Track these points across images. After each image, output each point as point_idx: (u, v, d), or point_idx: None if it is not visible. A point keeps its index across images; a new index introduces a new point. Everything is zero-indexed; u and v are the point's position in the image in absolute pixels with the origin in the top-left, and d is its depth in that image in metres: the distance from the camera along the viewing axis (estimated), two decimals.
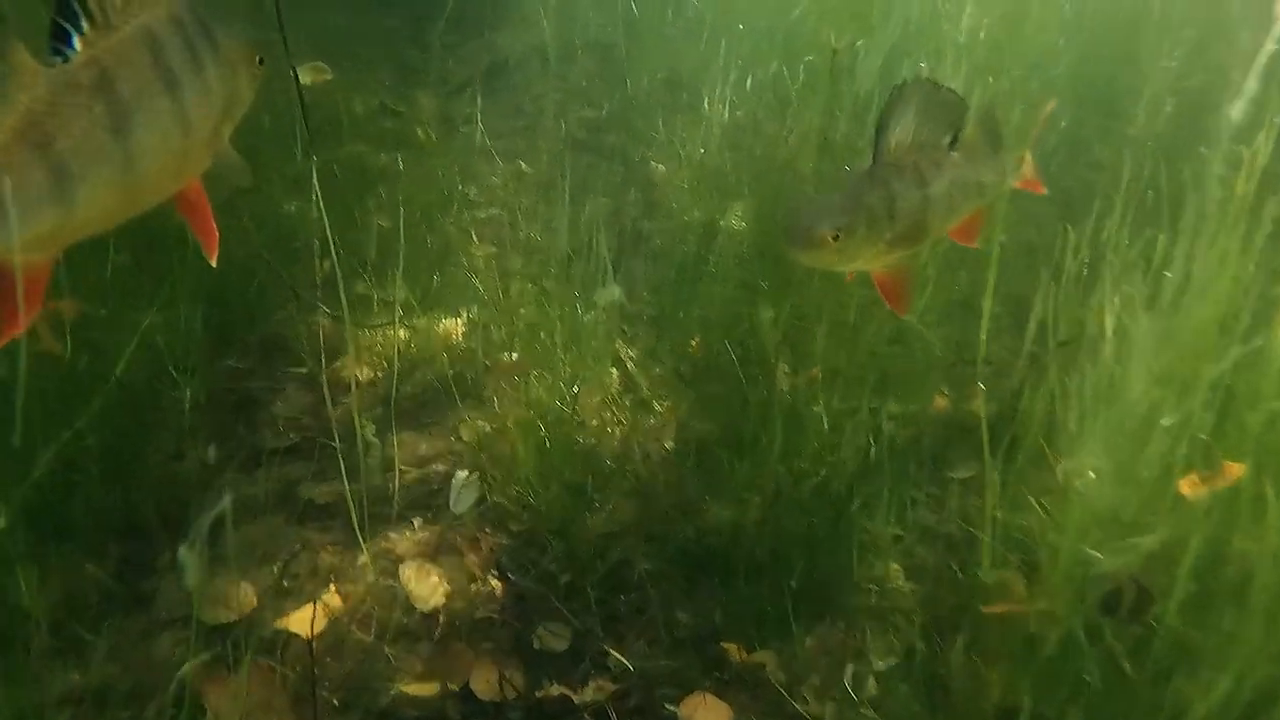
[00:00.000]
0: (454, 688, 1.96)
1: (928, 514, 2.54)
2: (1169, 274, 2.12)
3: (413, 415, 2.73)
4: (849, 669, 1.99)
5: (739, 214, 3.06)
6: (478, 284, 3.17)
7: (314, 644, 1.97)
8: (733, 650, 2.10)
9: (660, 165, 4.19)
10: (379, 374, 2.87)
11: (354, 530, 2.16)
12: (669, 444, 2.68)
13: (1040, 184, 2.09)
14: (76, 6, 1.24)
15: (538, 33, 4.53)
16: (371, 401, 2.74)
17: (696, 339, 2.99)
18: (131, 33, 1.30)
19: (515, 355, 2.91)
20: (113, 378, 1.99)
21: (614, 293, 3.13)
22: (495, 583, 2.21)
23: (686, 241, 3.30)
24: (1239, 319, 1.82)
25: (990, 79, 3.62)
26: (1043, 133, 2.16)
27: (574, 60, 4.76)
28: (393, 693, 1.92)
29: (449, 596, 2.15)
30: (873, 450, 2.37)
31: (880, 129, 1.74)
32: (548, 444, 2.35)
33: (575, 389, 2.46)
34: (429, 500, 2.42)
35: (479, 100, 4.25)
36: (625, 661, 2.03)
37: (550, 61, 4.40)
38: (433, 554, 2.25)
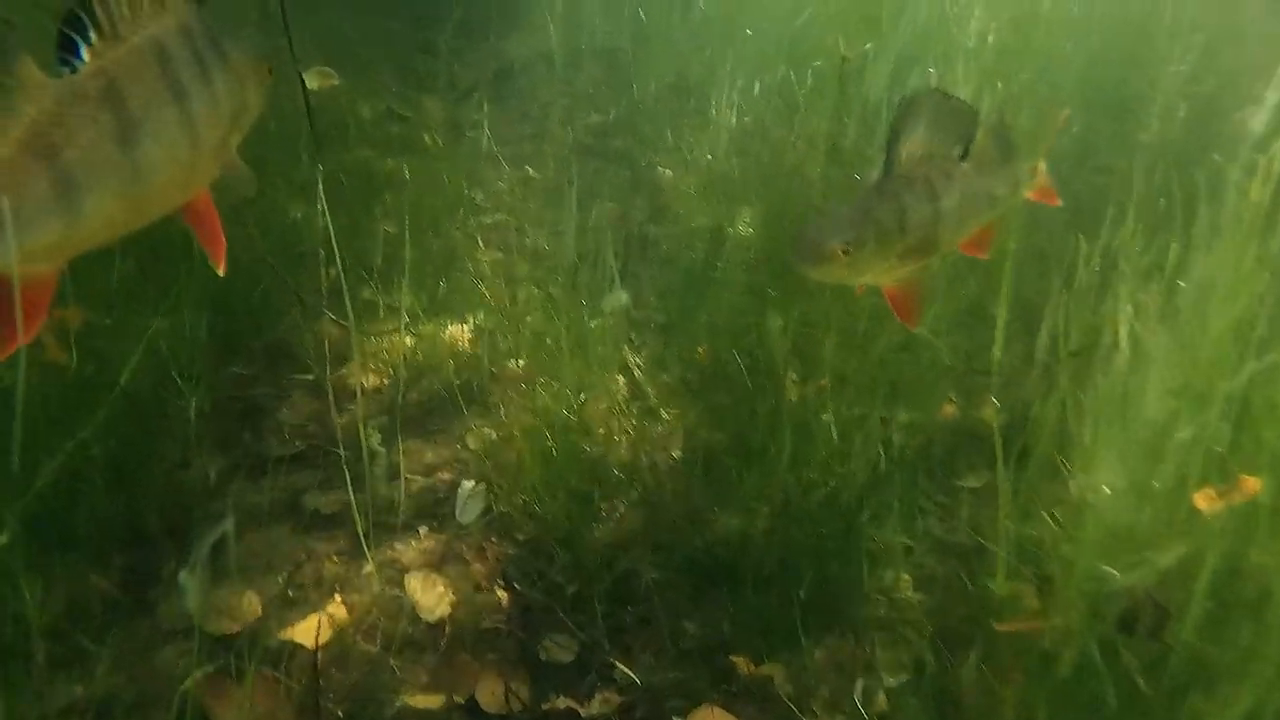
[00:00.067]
0: (459, 700, 1.94)
1: (937, 524, 2.52)
2: (1183, 283, 2.10)
3: (419, 422, 2.72)
4: (859, 684, 1.97)
5: (747, 220, 3.04)
6: (484, 290, 3.16)
7: (319, 655, 1.96)
8: (741, 663, 2.08)
9: (667, 170, 4.18)
10: (385, 381, 2.86)
11: (359, 539, 2.15)
12: (676, 453, 2.66)
13: (1054, 195, 2.06)
14: (84, 18, 1.23)
15: (544, 38, 4.53)
16: (377, 409, 2.73)
17: (704, 347, 2.97)
18: (139, 44, 1.29)
19: (522, 362, 2.90)
20: (117, 386, 1.98)
21: (621, 299, 3.11)
22: (501, 593, 2.20)
23: (694, 248, 3.29)
24: (1255, 329, 1.80)
25: (999, 83, 3.60)
26: (1054, 140, 2.13)
27: (581, 65, 4.75)
28: (398, 704, 1.91)
29: (454, 606, 2.14)
30: (882, 460, 2.35)
31: (891, 141, 1.72)
32: (554, 452, 2.33)
33: (582, 397, 2.44)
34: (435, 509, 2.41)
35: (485, 105, 4.26)
36: (632, 674, 2.01)
37: (557, 67, 4.39)
38: (438, 563, 2.24)
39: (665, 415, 2.80)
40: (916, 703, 1.87)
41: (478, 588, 2.19)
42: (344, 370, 2.84)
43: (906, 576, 2.37)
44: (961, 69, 3.55)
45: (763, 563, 2.25)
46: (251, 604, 2.07)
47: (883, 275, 1.77)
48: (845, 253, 1.65)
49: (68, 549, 2.01)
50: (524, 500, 2.36)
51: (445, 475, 2.52)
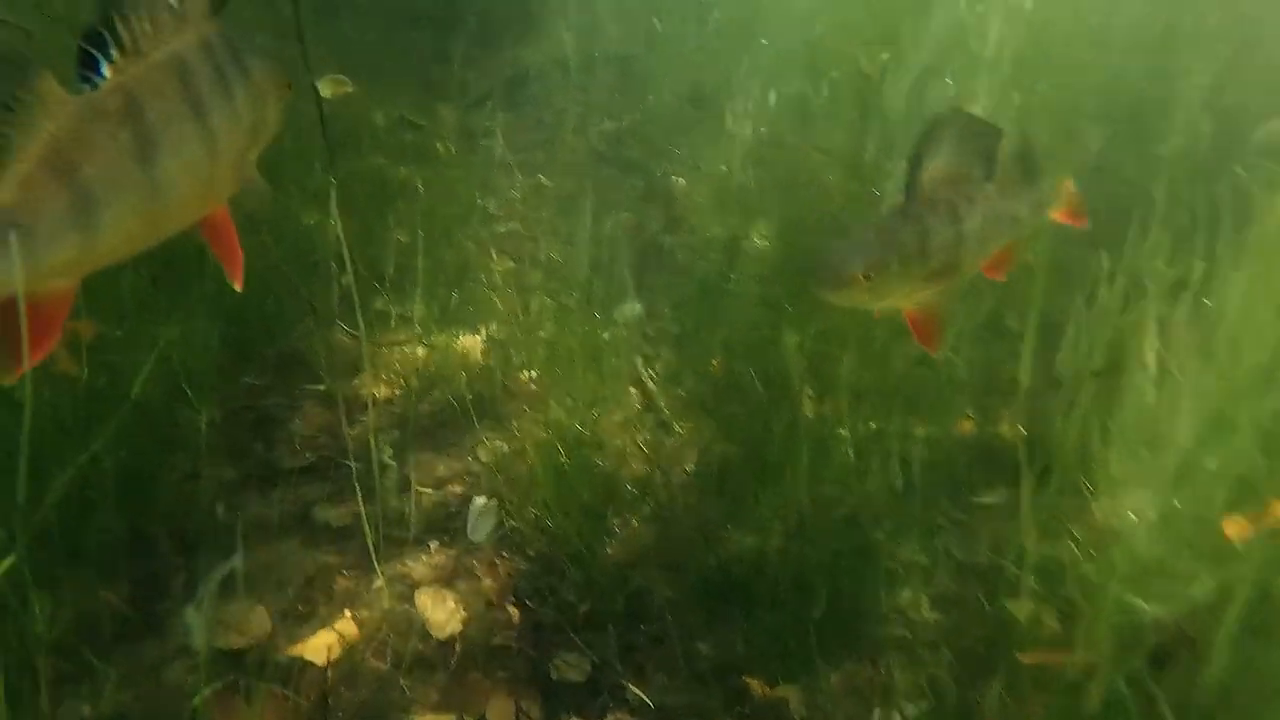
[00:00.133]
0: (469, 719, 1.92)
1: (954, 542, 2.48)
2: (1208, 301, 2.06)
3: (430, 434, 2.70)
4: (876, 713, 1.93)
5: (763, 232, 3.01)
6: (496, 300, 3.14)
7: (329, 672, 1.94)
8: (755, 685, 2.05)
9: (681, 179, 4.15)
10: (396, 391, 2.84)
11: (369, 553, 2.13)
12: (690, 467, 2.63)
13: (1083, 216, 2.02)
14: (106, 34, 1.22)
15: (558, 45, 4.52)
16: (389, 420, 2.71)
17: (717, 360, 2.95)
18: (161, 60, 1.28)
19: (534, 374, 2.88)
20: (129, 399, 1.96)
21: (634, 310, 3.09)
22: (512, 609, 2.17)
23: (709, 259, 3.26)
24: None
25: (1018, 95, 3.57)
26: (1079, 158, 2.10)
27: (595, 73, 4.73)
28: None
29: (465, 623, 2.11)
30: (899, 476, 2.32)
31: (913, 163, 1.69)
32: (566, 467, 2.31)
33: (595, 411, 2.42)
34: (446, 523, 2.39)
35: (499, 113, 4.25)
36: (644, 696, 1.98)
37: (571, 74, 4.37)
38: (449, 579, 2.22)
39: (679, 429, 2.77)
40: None
41: (489, 604, 2.17)
42: (356, 381, 2.83)
43: (923, 596, 2.33)
44: (979, 80, 3.51)
45: (778, 581, 2.22)
46: (260, 619, 2.05)
47: (904, 299, 1.74)
48: (867, 277, 1.62)
49: (77, 562, 2.00)
50: (536, 515, 2.33)
51: (456, 488, 2.50)
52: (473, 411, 2.68)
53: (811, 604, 2.13)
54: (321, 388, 2.76)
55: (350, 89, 3.82)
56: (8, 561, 1.19)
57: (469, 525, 2.29)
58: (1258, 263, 1.96)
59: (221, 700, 1.86)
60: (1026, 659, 1.66)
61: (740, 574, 2.25)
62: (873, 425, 2.54)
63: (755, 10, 4.21)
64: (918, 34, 3.30)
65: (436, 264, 3.20)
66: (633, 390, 2.91)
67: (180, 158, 1.29)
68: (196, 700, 1.74)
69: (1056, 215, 2.03)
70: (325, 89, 3.59)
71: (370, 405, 2.69)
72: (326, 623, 2.07)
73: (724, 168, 3.40)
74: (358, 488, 2.16)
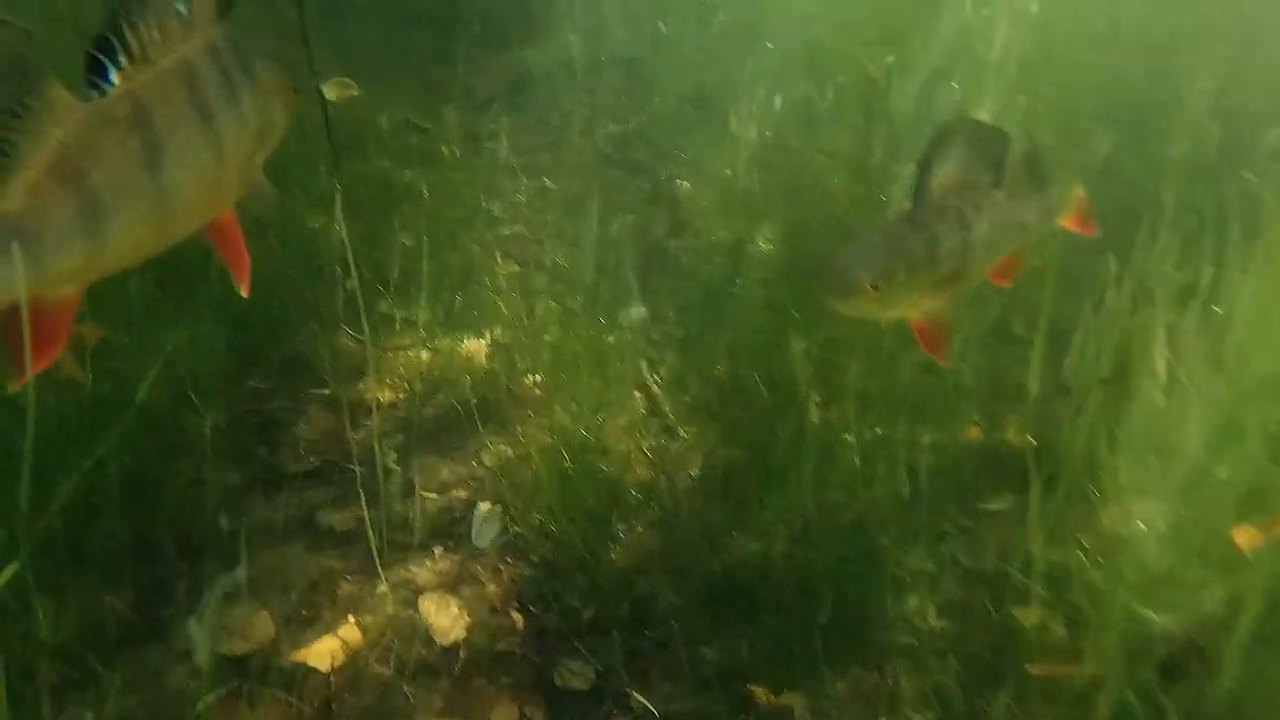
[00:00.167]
0: None
1: (961, 548, 2.47)
2: (1218, 309, 2.05)
3: (434, 439, 2.70)
4: None
5: (768, 236, 3.00)
6: (501, 304, 3.13)
7: (332, 678, 1.93)
8: (760, 692, 2.04)
9: (686, 183, 4.14)
10: (400, 395, 2.83)
11: (373, 558, 2.12)
12: (694, 472, 2.62)
13: (1092, 224, 2.00)
14: (115, 41, 1.22)
15: (563, 48, 4.51)
16: (393, 424, 2.70)
17: (722, 365, 2.94)
18: (169, 66, 1.28)
19: (538, 378, 2.87)
20: (134, 404, 1.96)
21: (639, 313, 3.08)
22: (516, 615, 2.16)
23: (713, 262, 3.25)
24: None
25: (1023, 98, 3.55)
26: (1086, 162, 2.09)
27: (600, 76, 4.73)
28: None
29: (469, 629, 2.11)
30: (905, 483, 2.31)
31: (921, 170, 1.68)
32: (570, 472, 2.30)
33: (599, 416, 2.41)
34: (450, 528, 2.38)
35: (504, 116, 4.24)
36: (648, 704, 1.97)
37: (576, 77, 4.37)
38: (453, 584, 2.21)
39: (683, 434, 2.76)
40: None
41: (493, 610, 2.16)
42: (360, 385, 2.82)
43: (929, 603, 2.32)
44: (984, 83, 3.50)
45: (783, 587, 2.21)
46: (264, 624, 2.05)
47: (911, 308, 1.73)
48: (875, 287, 1.61)
49: (81, 567, 2.00)
50: (540, 520, 2.33)
51: (460, 493, 2.49)
52: (477, 416, 2.67)
53: (817, 610, 2.12)
54: (326, 392, 2.76)
55: (355, 92, 3.82)
56: (11, 570, 1.18)
57: (473, 531, 2.28)
58: (1268, 268, 1.95)
59: (225, 706, 1.85)
60: (1035, 670, 1.65)
61: (745, 580, 2.24)
62: (879, 431, 2.53)
63: (760, 13, 4.21)
64: (923, 37, 3.29)
65: (441, 267, 3.20)
66: (637, 394, 2.91)
67: (188, 164, 1.29)
68: (200, 706, 1.73)
69: (1065, 222, 2.01)
70: (330, 92, 3.59)
71: (374, 410, 2.69)
72: (330, 628, 2.06)
73: (729, 171, 3.39)
74: (362, 493, 2.16)
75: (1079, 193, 1.98)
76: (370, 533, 2.11)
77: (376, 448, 2.35)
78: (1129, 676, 1.46)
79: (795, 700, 2.03)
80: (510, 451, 2.58)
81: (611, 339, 2.71)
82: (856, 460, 2.31)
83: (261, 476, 2.46)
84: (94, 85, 1.22)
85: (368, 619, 2.10)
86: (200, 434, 2.30)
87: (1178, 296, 2.30)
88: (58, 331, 1.21)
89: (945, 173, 1.67)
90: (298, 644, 2.02)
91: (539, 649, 2.09)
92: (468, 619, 2.12)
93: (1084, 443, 2.07)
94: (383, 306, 3.11)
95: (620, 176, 4.36)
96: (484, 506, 2.33)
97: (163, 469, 2.27)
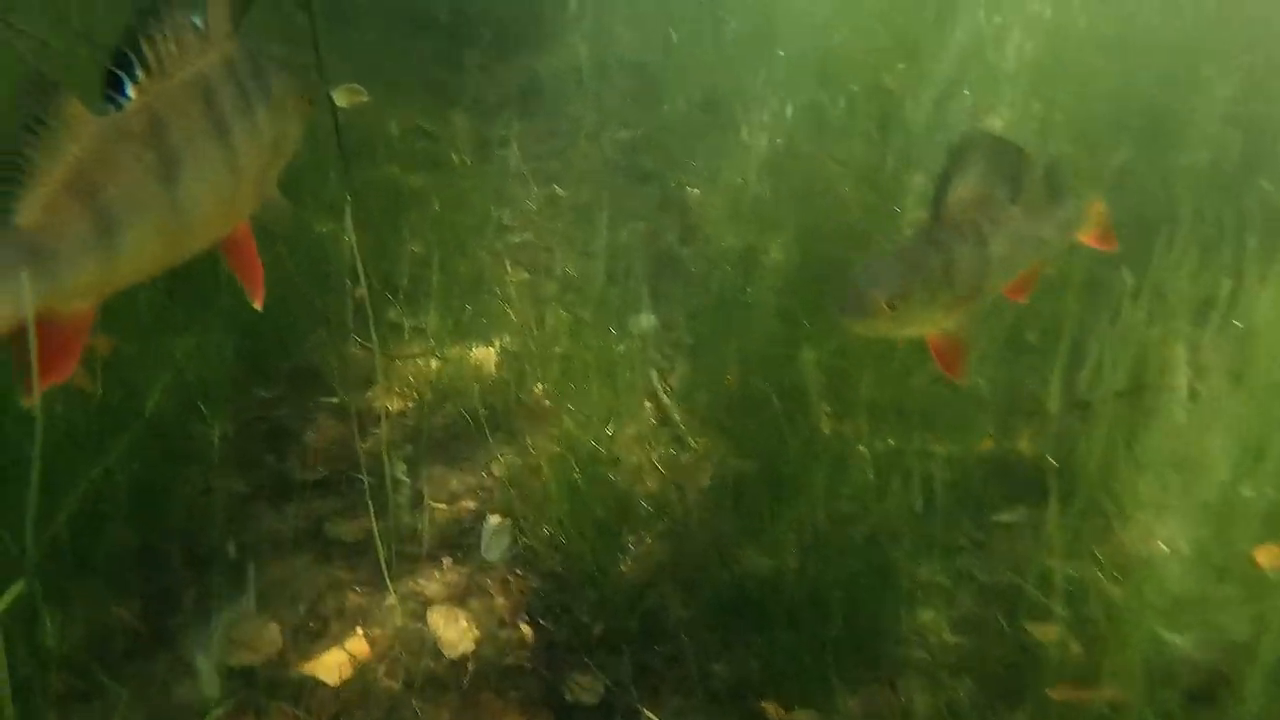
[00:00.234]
0: None
1: (975, 562, 2.44)
2: (1239, 323, 2.02)
3: (443, 448, 2.68)
4: None
5: (779, 244, 2.98)
6: (510, 312, 3.12)
7: (340, 692, 1.92)
8: (771, 708, 2.01)
9: (696, 190, 4.13)
10: (409, 404, 2.82)
11: (381, 569, 2.11)
12: (705, 482, 2.60)
13: (1112, 240, 1.98)
14: (132, 56, 1.22)
15: (573, 54, 4.50)
16: (402, 434, 2.69)
17: (732, 374, 2.92)
18: (185, 80, 1.28)
19: (548, 387, 2.85)
20: (144, 414, 1.95)
21: (649, 322, 3.07)
22: (525, 628, 2.15)
23: (723, 270, 3.23)
24: None
25: (1037, 105, 3.52)
26: (1104, 173, 2.06)
27: (610, 82, 4.72)
28: None
29: (478, 642, 2.09)
30: (919, 495, 2.28)
31: (939, 187, 1.65)
32: (580, 483, 2.28)
33: (609, 427, 2.39)
34: (459, 539, 2.37)
35: (514, 122, 4.23)
36: None
37: (585, 83, 4.36)
38: (462, 597, 2.19)
39: (694, 444, 2.74)
40: None
41: (501, 623, 2.14)
42: (369, 394, 2.81)
43: (942, 617, 2.29)
44: (997, 90, 3.47)
45: (795, 600, 2.18)
46: (272, 636, 2.04)
47: (928, 326, 1.71)
48: (891, 306, 1.59)
49: (88, 576, 1.99)
50: (549, 532, 2.31)
51: (469, 504, 2.48)
52: (486, 425, 2.66)
53: (829, 624, 2.10)
54: (334, 400, 2.75)
55: (366, 98, 3.81)
56: (16, 589, 1.17)
57: (483, 545, 2.27)
58: None
59: (233, 719, 1.84)
60: (1056, 695, 1.62)
61: (756, 593, 2.22)
62: (891, 442, 2.51)
63: (771, 20, 4.19)
64: (936, 45, 3.26)
65: (450, 275, 3.19)
66: (647, 404, 2.89)
67: (204, 179, 1.29)
68: (208, 719, 1.72)
69: (1085, 238, 1.98)
70: (340, 98, 3.59)
71: (383, 418, 2.68)
72: (338, 640, 2.05)
73: (740, 180, 3.37)
74: (370, 503, 2.14)
75: (1099, 206, 1.95)
76: (378, 544, 2.10)
77: (385, 457, 2.34)
78: (1151, 700, 1.44)
79: (807, 717, 2.00)
80: (519, 462, 2.56)
81: (621, 348, 2.69)
82: (870, 474, 2.29)
83: (269, 486, 2.45)
84: (111, 100, 1.22)
85: (376, 631, 2.09)
86: (208, 443, 2.30)
87: (1196, 308, 2.27)
88: (72, 346, 1.21)
89: (962, 189, 1.65)
90: (306, 656, 2.01)
91: (548, 663, 2.07)
92: (476, 632, 2.11)
93: (1100, 457, 2.05)
94: (391, 314, 3.10)
95: (630, 183, 4.34)
96: (493, 520, 2.32)
97: (171, 477, 2.26)
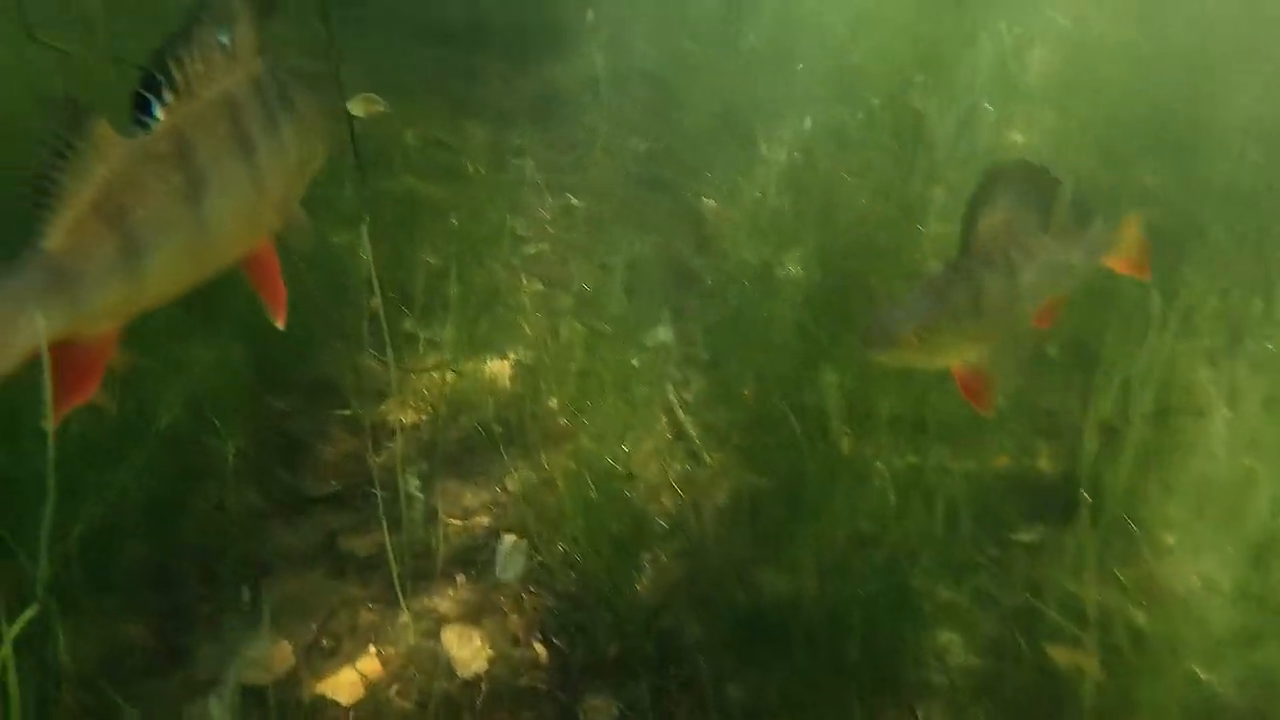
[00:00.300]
0: None
1: (996, 583, 2.40)
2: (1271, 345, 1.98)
3: (457, 462, 2.66)
4: None
5: (797, 259, 2.96)
6: (525, 325, 3.10)
7: (352, 712, 1.90)
8: None
9: (712, 201, 4.10)
10: (423, 417, 2.81)
11: (395, 586, 2.09)
12: (722, 500, 2.57)
13: (1146, 268, 1.93)
14: (161, 77, 1.22)
15: (590, 66, 4.49)
16: (416, 447, 2.67)
17: (749, 389, 2.89)
18: (212, 101, 1.28)
19: (563, 401, 2.83)
20: (159, 429, 1.94)
21: (665, 335, 3.04)
22: (539, 648, 2.12)
23: (741, 284, 3.21)
24: None
25: (1057, 118, 3.48)
26: (1134, 194, 2.02)
27: (627, 93, 4.71)
28: None
29: (491, 662, 2.06)
30: (939, 513, 2.24)
31: (968, 218, 1.62)
32: (595, 500, 2.26)
33: (625, 443, 2.37)
34: (473, 555, 2.34)
35: (530, 133, 4.23)
36: None
37: (602, 94, 4.35)
38: (475, 615, 2.17)
39: (709, 460, 2.71)
40: None
41: (515, 642, 2.12)
42: (383, 407, 2.80)
43: (960, 639, 2.25)
44: (1019, 104, 3.44)
45: (813, 622, 2.15)
46: (284, 654, 2.02)
47: (955, 357, 1.68)
48: (918, 337, 1.56)
49: (102, 593, 1.98)
50: (564, 549, 2.28)
51: (483, 520, 2.46)
52: (500, 440, 2.64)
53: (847, 647, 2.06)
54: (348, 413, 2.73)
55: (383, 108, 3.81)
56: (29, 612, 1.15)
57: (498, 565, 2.24)
58: None
59: None
60: None
61: (774, 614, 2.19)
62: (911, 459, 2.48)
63: (790, 33, 4.17)
64: (957, 59, 3.23)
65: (466, 286, 3.18)
66: (663, 418, 2.86)
67: (230, 200, 1.29)
68: None
69: (1116, 264, 1.93)
70: (358, 108, 3.59)
71: (397, 431, 2.66)
72: (351, 659, 2.03)
73: (759, 194, 3.34)
74: (383, 519, 2.12)
75: (1134, 230, 1.90)
76: (392, 560, 2.08)
77: (399, 472, 2.32)
78: None
79: None
80: (534, 477, 2.54)
81: (637, 362, 2.67)
82: (890, 491, 2.25)
83: (283, 500, 2.44)
84: (140, 122, 1.22)
85: (388, 649, 2.06)
86: (223, 457, 2.28)
87: (1225, 328, 2.22)
88: (95, 368, 1.21)
89: (992, 219, 1.61)
90: (318, 675, 1.99)
91: (562, 684, 2.05)
92: (490, 651, 2.08)
93: (1128, 479, 2.01)
94: (406, 325, 3.09)
95: (647, 195, 4.32)
96: (508, 539, 2.29)
97: (185, 492, 2.25)
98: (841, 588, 2.16)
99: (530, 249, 3.85)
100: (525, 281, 3.52)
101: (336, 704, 1.92)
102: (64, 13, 2.88)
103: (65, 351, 1.15)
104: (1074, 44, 3.91)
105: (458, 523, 2.44)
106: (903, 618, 2.16)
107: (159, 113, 1.22)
